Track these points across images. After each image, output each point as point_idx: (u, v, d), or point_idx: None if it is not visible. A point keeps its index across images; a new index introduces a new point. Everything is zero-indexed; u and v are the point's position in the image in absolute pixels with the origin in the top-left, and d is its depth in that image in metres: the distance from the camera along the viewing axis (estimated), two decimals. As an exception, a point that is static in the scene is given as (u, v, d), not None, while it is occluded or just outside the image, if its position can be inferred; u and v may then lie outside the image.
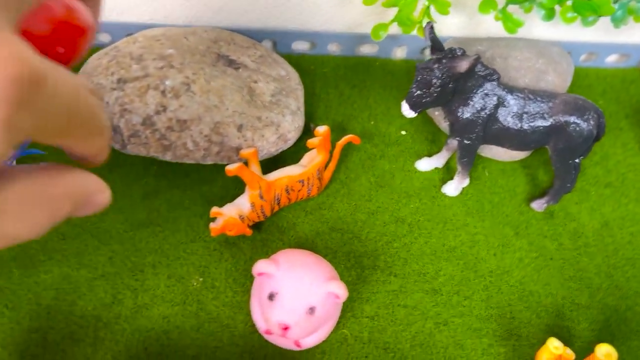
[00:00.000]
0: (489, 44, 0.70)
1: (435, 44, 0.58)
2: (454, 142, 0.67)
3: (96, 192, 0.23)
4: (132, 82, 0.61)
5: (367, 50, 0.80)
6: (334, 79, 0.77)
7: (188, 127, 0.61)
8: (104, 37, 0.77)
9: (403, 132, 0.73)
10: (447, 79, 0.57)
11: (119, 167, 0.66)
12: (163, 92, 0.61)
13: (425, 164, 0.70)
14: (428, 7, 0.68)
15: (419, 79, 0.58)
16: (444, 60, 0.56)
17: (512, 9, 0.68)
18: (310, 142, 0.61)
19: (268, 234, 0.64)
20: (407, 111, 0.59)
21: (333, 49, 0.80)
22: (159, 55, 0.63)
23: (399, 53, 0.80)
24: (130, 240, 0.62)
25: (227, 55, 0.68)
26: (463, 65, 0.56)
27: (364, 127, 0.73)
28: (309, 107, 0.74)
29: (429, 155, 0.71)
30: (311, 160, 0.64)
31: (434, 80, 0.57)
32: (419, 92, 0.58)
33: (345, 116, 0.74)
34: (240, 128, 0.63)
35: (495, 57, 0.68)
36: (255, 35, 0.76)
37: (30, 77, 0.16)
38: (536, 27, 0.77)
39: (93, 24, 0.22)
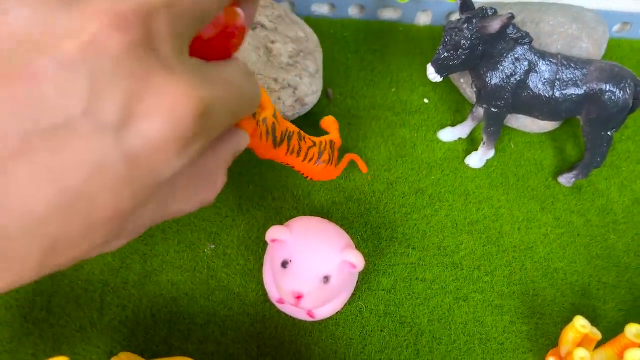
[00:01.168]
0: (520, 8, 0.66)
1: (466, 3, 0.54)
2: (479, 111, 0.64)
3: (243, 144, 0.27)
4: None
5: (389, 14, 0.77)
6: (354, 44, 0.74)
7: (201, 87, 0.59)
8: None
9: (426, 101, 0.70)
10: (476, 40, 0.54)
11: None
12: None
13: (448, 134, 0.67)
14: (457, -32, 0.64)
15: (446, 40, 0.54)
16: (474, 20, 0.53)
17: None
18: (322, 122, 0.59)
19: (282, 202, 0.61)
20: (432, 75, 0.56)
21: (354, 12, 0.76)
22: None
23: (423, 19, 0.76)
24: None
25: (243, 14, 0.65)
26: (495, 26, 0.52)
27: (385, 95, 0.70)
28: (328, 72, 0.71)
29: (453, 125, 0.67)
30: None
31: (463, 42, 0.53)
32: (446, 54, 0.55)
33: (366, 82, 0.71)
34: (256, 90, 0.60)
35: (526, 22, 0.64)
36: (273, -4, 0.73)
37: (200, 112, 0.19)
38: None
39: (246, 26, 0.25)
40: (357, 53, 0.73)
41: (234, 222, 0.59)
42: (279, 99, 0.62)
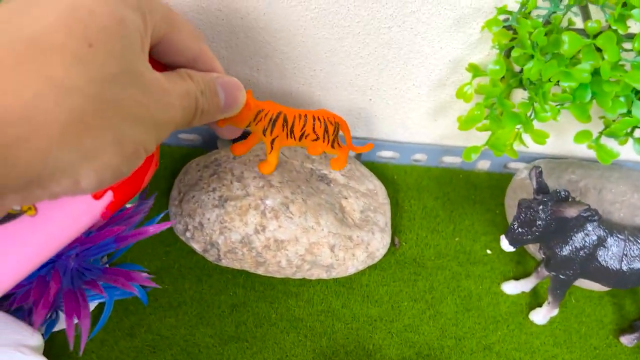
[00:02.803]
0: (582, 172, 0.69)
1: (541, 187, 0.58)
2: (544, 270, 0.66)
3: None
4: (233, 201, 0.62)
5: (450, 160, 0.81)
6: (417, 190, 0.77)
7: (285, 247, 0.62)
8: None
9: (488, 251, 0.73)
10: (550, 220, 0.57)
11: (208, 276, 0.67)
12: (263, 212, 0.62)
13: (512, 288, 0.69)
14: (520, 133, 0.68)
15: (521, 217, 0.58)
16: (549, 203, 0.56)
17: (606, 138, 0.68)
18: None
19: (354, 357, 0.63)
20: (506, 246, 0.59)
21: (417, 157, 0.80)
22: (260, 174, 0.64)
23: (482, 165, 0.80)
24: (219, 356, 0.62)
25: (318, 169, 0.69)
26: (571, 213, 0.55)
27: (448, 243, 0.73)
28: (392, 219, 0.74)
29: (516, 278, 0.70)
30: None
31: (538, 222, 0.57)
32: (520, 229, 0.58)
33: (429, 230, 0.74)
34: (333, 248, 0.64)
35: (589, 188, 0.67)
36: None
37: None
38: (626, 151, 0.77)
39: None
40: (420, 200, 0.77)
41: (309, 377, 0.62)
42: (353, 255, 0.65)
